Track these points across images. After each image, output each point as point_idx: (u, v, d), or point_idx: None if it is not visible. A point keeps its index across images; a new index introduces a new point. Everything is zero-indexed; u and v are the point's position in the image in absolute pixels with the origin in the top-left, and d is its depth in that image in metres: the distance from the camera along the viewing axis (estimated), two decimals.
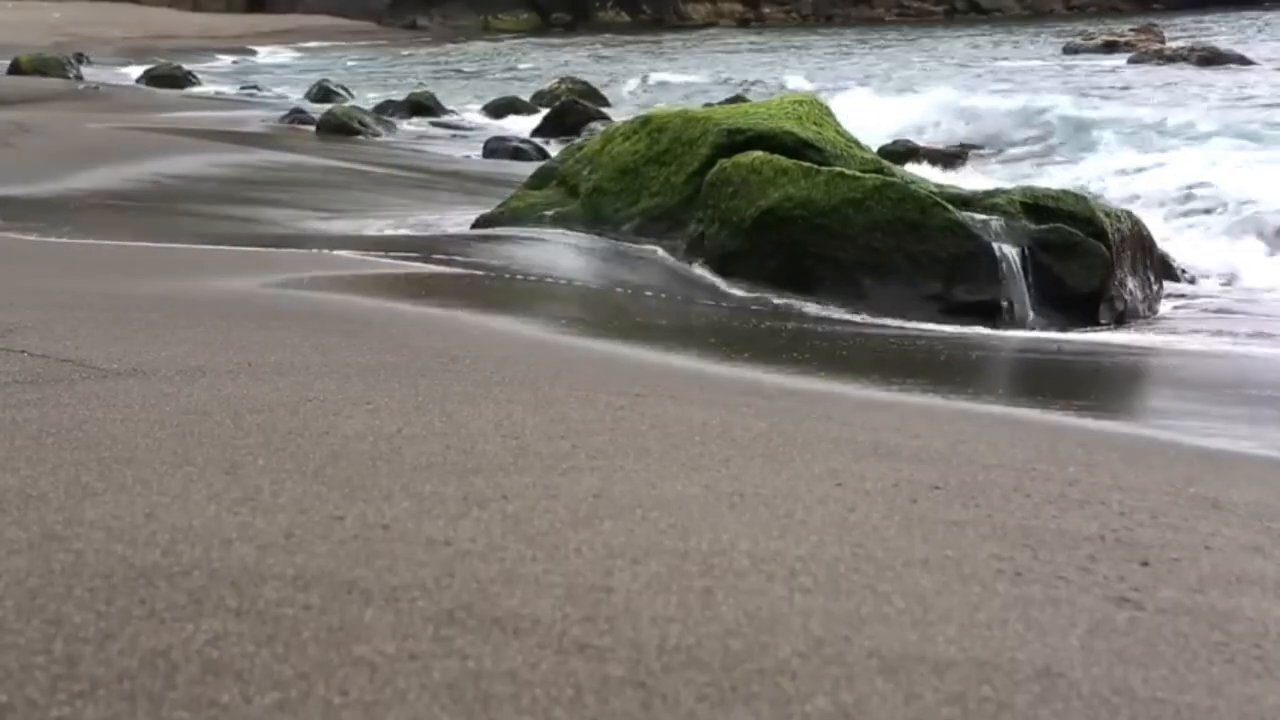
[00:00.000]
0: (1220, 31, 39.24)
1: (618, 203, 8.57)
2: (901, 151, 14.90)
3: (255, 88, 26.40)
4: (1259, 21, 45.34)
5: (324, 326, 4.75)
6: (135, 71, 29.86)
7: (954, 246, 7.45)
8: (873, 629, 2.08)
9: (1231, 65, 26.72)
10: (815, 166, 7.87)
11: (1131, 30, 34.00)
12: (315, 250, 7.18)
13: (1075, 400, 4.92)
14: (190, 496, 2.55)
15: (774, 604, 2.15)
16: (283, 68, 37.57)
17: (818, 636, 2.03)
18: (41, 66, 26.29)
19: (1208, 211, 11.35)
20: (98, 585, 2.06)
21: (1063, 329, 7.25)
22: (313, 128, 17.64)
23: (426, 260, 7.05)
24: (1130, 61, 28.45)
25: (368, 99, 23.90)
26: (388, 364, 4.12)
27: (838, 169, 7.86)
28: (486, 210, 9.23)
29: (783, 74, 30.23)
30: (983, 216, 7.65)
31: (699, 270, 7.82)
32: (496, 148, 15.87)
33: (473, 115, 22.12)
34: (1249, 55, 28.04)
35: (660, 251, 8.08)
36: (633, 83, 29.09)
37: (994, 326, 7.18)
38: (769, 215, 7.72)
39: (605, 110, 20.70)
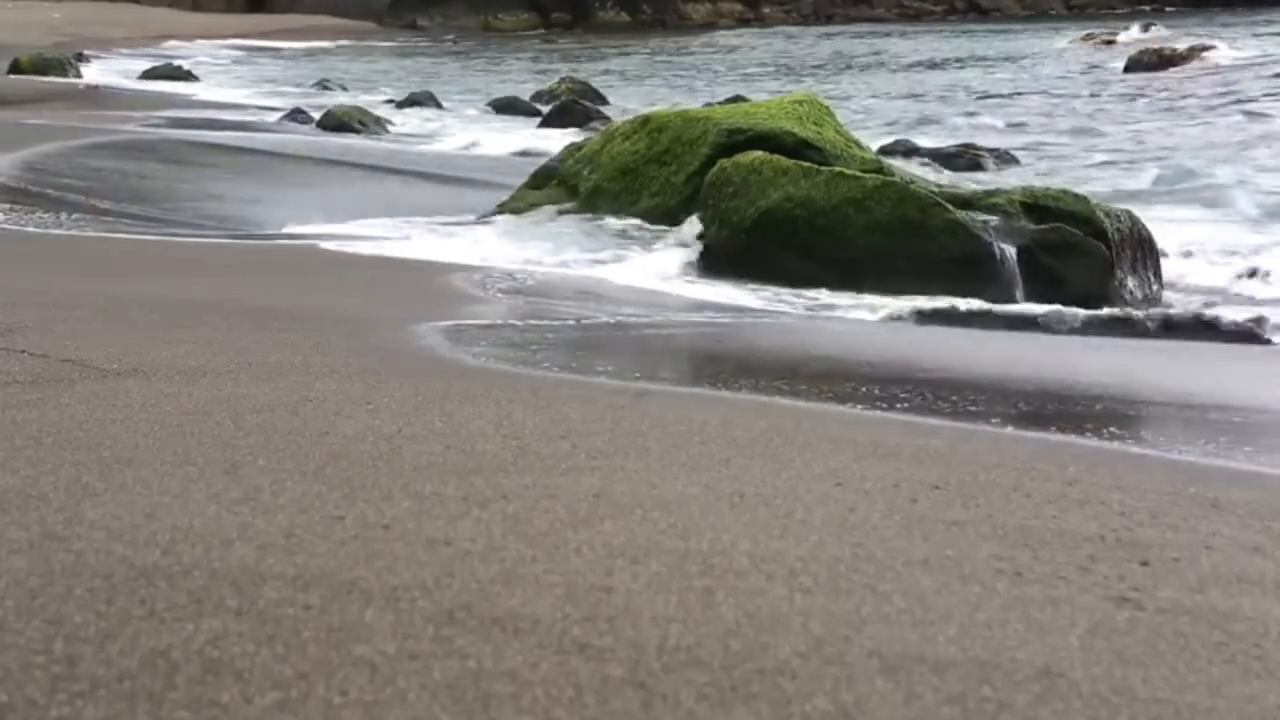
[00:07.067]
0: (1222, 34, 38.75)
1: (618, 203, 8.57)
2: (902, 151, 14.87)
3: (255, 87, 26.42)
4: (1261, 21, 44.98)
5: (324, 326, 4.75)
6: (135, 70, 29.83)
7: (954, 246, 7.45)
8: (873, 629, 2.07)
9: None
10: (815, 166, 7.87)
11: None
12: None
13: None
14: (190, 496, 2.55)
15: (774, 604, 2.15)
16: (283, 66, 37.50)
17: (818, 636, 2.03)
18: (41, 66, 26.28)
19: None
20: (98, 585, 2.06)
21: None
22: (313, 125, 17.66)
23: None
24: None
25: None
26: (387, 364, 4.12)
27: (838, 169, 7.86)
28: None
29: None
30: (983, 216, 7.65)
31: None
32: None
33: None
34: None
35: None
36: None
37: None
38: (769, 215, 7.72)
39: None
